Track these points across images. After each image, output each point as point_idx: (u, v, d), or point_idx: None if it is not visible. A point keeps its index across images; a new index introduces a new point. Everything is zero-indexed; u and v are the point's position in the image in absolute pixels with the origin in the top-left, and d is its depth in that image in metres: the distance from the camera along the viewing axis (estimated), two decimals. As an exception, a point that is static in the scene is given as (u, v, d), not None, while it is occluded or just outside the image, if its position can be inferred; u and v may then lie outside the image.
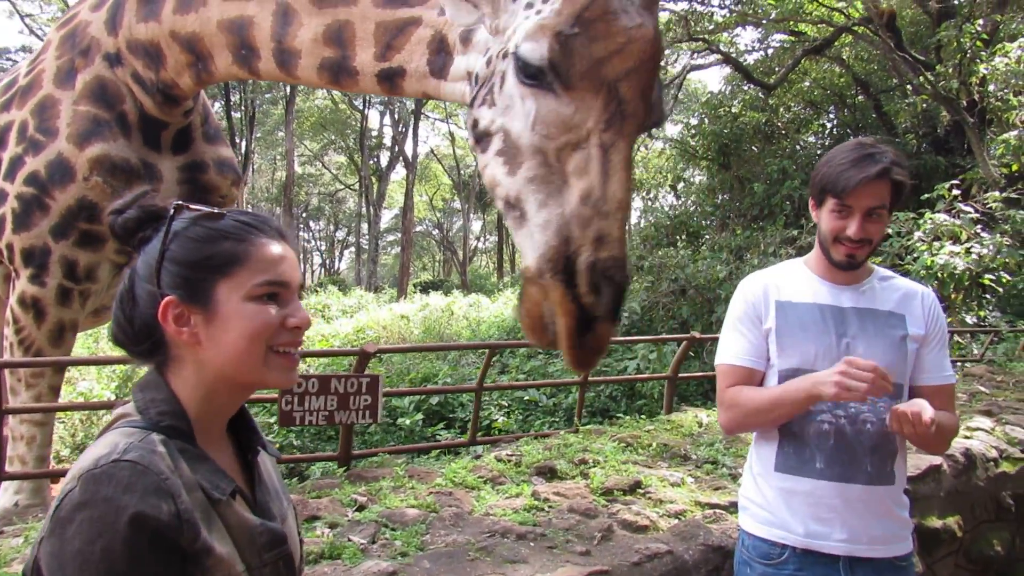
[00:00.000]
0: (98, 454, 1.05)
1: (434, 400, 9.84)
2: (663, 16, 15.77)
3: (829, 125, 18.14)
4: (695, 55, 17.86)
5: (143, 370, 1.22)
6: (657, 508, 3.42)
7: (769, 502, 2.19)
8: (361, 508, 3.33)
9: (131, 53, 3.58)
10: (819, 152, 17.90)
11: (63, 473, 7.38)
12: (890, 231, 10.70)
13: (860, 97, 17.84)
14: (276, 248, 1.20)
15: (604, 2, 1.84)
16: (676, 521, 3.28)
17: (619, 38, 1.83)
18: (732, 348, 2.27)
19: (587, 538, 3.06)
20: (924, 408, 1.89)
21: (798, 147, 17.05)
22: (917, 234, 10.46)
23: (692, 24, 15.12)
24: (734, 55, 18.86)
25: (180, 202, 1.19)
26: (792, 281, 2.25)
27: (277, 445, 9.38)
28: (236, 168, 4.21)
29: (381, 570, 2.64)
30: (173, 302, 1.14)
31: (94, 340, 14.06)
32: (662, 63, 1.98)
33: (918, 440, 2.08)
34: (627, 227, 1.80)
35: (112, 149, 3.65)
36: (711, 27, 15.87)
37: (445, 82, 2.55)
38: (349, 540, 2.94)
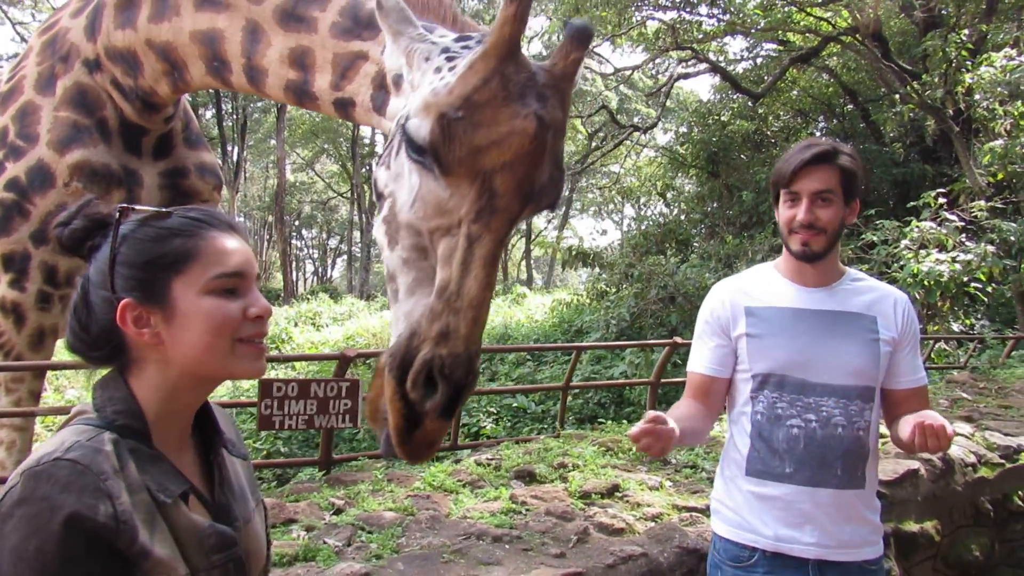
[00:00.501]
0: (43, 452, 1.05)
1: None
2: (651, 25, 15.86)
3: (818, 133, 18.23)
4: (683, 64, 17.94)
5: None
6: (634, 511, 3.43)
7: (739, 505, 2.20)
8: (338, 511, 3.34)
9: (109, 60, 3.59)
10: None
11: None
12: (875, 239, 10.77)
13: (848, 106, 17.97)
14: (227, 241, 1.19)
15: (496, 86, 1.74)
16: (652, 524, 3.30)
17: (501, 128, 1.75)
18: (694, 357, 2.31)
19: (563, 540, 3.07)
20: (945, 422, 1.86)
21: (835, 142, 17.17)
22: (904, 242, 10.53)
23: (680, 33, 15.20)
24: (723, 64, 18.98)
25: (124, 205, 1.19)
26: (762, 286, 2.25)
27: (264, 452, 9.39)
28: (218, 173, 4.21)
29: (354, 572, 2.64)
30: (130, 304, 1.13)
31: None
32: (558, 145, 1.84)
33: (923, 449, 2.01)
34: (480, 323, 1.69)
35: (92, 155, 3.66)
36: (699, 36, 15.96)
37: (384, 119, 2.53)
38: (324, 543, 2.94)
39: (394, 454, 1.75)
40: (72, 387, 13.41)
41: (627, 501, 3.56)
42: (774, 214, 2.23)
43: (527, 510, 3.39)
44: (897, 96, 14.65)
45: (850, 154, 2.11)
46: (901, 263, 10.25)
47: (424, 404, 1.62)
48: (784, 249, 2.23)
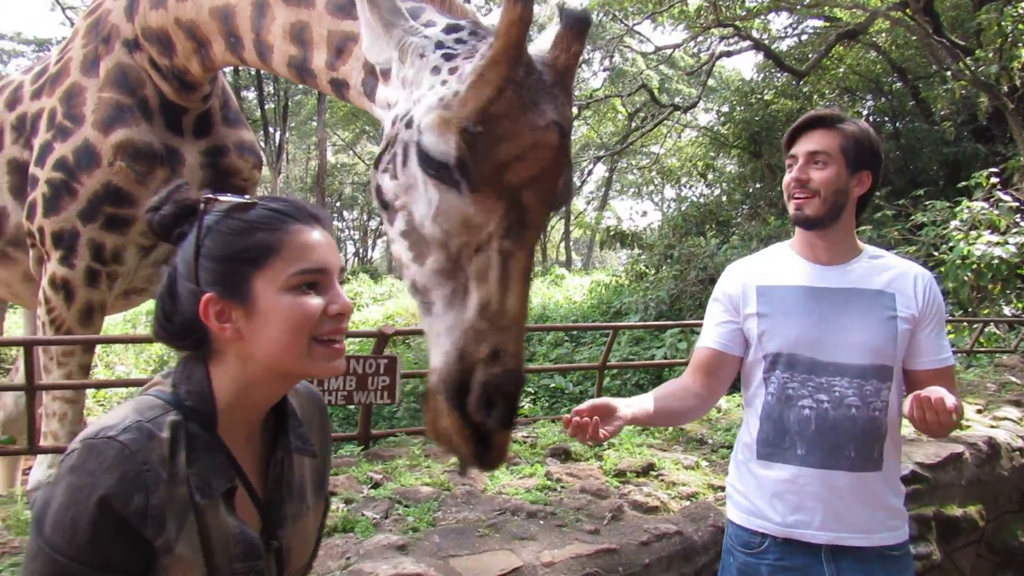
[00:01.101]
0: (104, 423, 1.07)
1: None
2: (692, 4, 15.60)
3: (864, 112, 17.79)
4: (725, 42, 17.62)
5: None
6: (669, 490, 3.43)
7: (750, 490, 2.17)
8: (376, 485, 3.39)
9: (146, 40, 3.66)
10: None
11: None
12: (924, 220, 10.52)
13: (897, 84, 17.49)
14: (311, 234, 1.18)
15: (512, 95, 1.70)
16: (687, 503, 3.30)
17: (524, 141, 1.71)
18: (704, 333, 2.29)
19: (597, 518, 3.08)
20: (945, 395, 1.79)
21: (841, 111, 16.83)
22: (953, 223, 10.26)
23: (722, 10, 14.92)
24: (766, 41, 18.60)
25: (210, 195, 1.18)
26: (776, 265, 2.22)
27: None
28: (257, 151, 4.27)
29: (391, 543, 2.68)
30: (212, 299, 1.13)
31: (132, 325, 14.37)
32: (567, 158, 1.80)
33: (927, 427, 1.94)
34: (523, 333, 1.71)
35: (135, 134, 3.74)
36: (743, 13, 15.65)
37: (375, 105, 2.48)
38: (363, 515, 3.00)
39: (476, 468, 1.80)
40: (121, 363, 13.79)
41: (662, 480, 3.56)
42: None
43: (562, 487, 3.42)
44: (949, 73, 14.22)
45: (858, 124, 2.09)
46: (950, 244, 10.00)
47: (490, 423, 1.62)
48: (798, 228, 2.20)
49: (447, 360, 1.69)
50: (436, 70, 1.89)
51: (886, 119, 17.45)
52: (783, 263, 2.21)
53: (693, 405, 2.22)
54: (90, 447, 1.04)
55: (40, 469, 4.24)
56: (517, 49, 1.67)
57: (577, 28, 1.77)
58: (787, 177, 2.13)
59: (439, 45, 1.96)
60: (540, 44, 2.12)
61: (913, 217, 10.74)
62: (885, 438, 2.06)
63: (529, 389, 10.85)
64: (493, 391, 1.61)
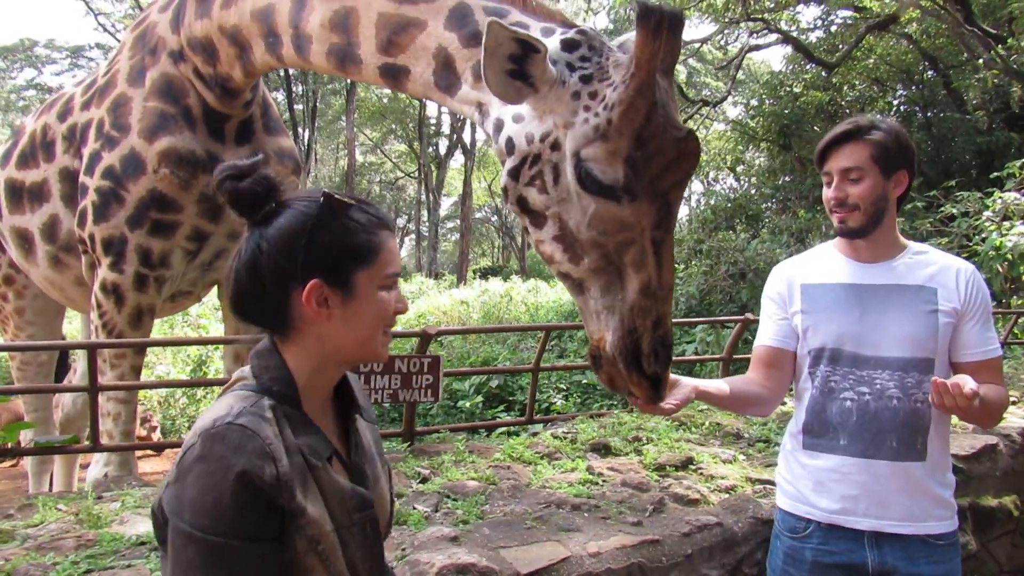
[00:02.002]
0: (216, 415, 1.20)
1: (494, 383, 10.05)
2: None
3: (895, 103, 17.61)
4: (753, 35, 17.53)
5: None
6: (708, 483, 3.52)
7: (797, 478, 2.27)
8: (424, 480, 3.52)
9: (191, 50, 3.82)
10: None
11: (149, 446, 7.78)
12: (955, 211, 10.44)
13: (929, 73, 17.29)
14: (394, 242, 1.36)
15: (657, 119, 1.97)
16: (726, 495, 3.38)
17: (670, 154, 2.00)
18: (759, 332, 2.40)
19: (639, 510, 3.19)
20: (966, 380, 1.87)
21: (871, 117, 16.65)
22: (986, 214, 10.17)
23: (750, 3, 14.86)
24: (796, 33, 18.48)
25: (328, 192, 1.29)
26: (819, 263, 2.31)
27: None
28: (296, 157, 4.43)
29: (444, 535, 2.81)
30: (318, 285, 1.25)
31: (169, 326, 14.68)
32: None
33: (963, 414, 2.06)
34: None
35: (179, 142, 3.90)
36: (771, 5, 15.58)
37: (451, 98, 2.67)
38: (414, 508, 3.13)
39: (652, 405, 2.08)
40: (161, 363, 14.10)
41: (701, 473, 3.65)
42: None
43: (604, 481, 3.52)
44: (981, 61, 14.05)
45: (886, 128, 2.14)
46: (983, 236, 9.92)
47: (660, 371, 2.01)
48: None
49: (619, 335, 2.06)
50: (576, 95, 2.13)
51: (917, 109, 17.27)
52: (827, 261, 2.30)
53: (763, 394, 2.34)
54: (212, 435, 1.16)
55: (97, 467, 4.43)
56: (654, 77, 1.93)
57: (675, 28, 1.94)
58: (826, 193, 2.21)
59: (570, 67, 2.19)
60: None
61: (943, 208, 10.65)
62: (928, 429, 2.12)
63: (561, 386, 10.95)
64: (659, 348, 2.00)
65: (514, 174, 2.30)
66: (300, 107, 37.12)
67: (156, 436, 9.39)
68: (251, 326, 1.33)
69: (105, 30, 33.75)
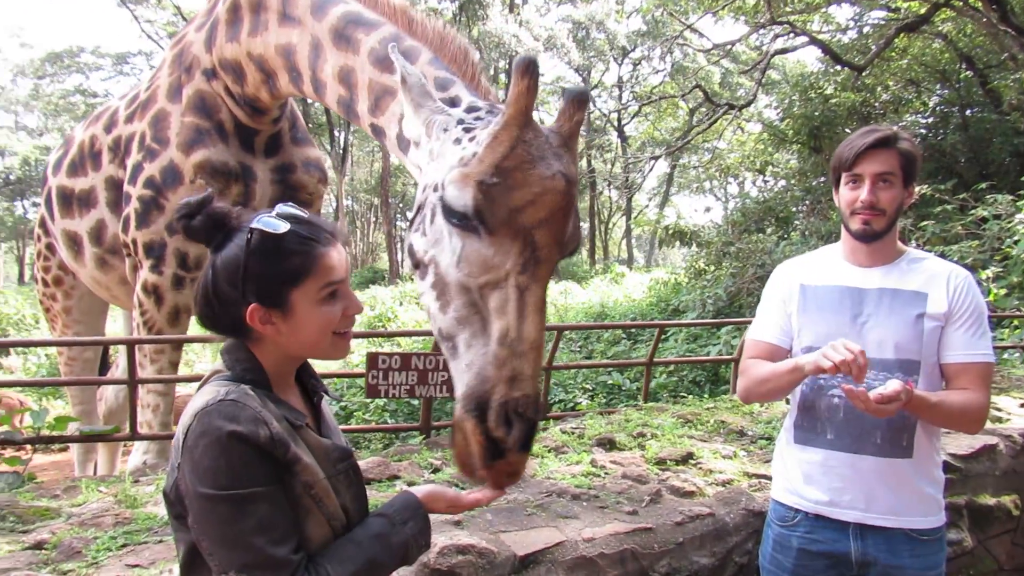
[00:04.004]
0: (206, 398, 1.39)
1: (520, 383, 10.25)
2: (749, 2, 15.55)
3: (930, 104, 17.41)
4: (779, 38, 17.47)
5: None
6: (706, 477, 3.68)
7: (788, 470, 2.41)
8: (436, 470, 3.74)
9: (222, 69, 4.09)
10: (921, 131, 17.23)
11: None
12: (986, 214, 10.37)
13: (966, 73, 17.06)
14: (332, 253, 1.48)
15: (522, 151, 1.93)
16: (721, 488, 3.54)
17: (534, 188, 1.93)
18: (758, 325, 2.51)
19: (636, 500, 3.36)
20: (887, 385, 1.97)
21: (895, 128, 16.46)
22: (1018, 216, 10.09)
23: (775, 7, 14.85)
24: (827, 34, 18.38)
25: (253, 226, 1.43)
26: (820, 265, 2.42)
27: (372, 423, 10.07)
28: (322, 167, 4.69)
29: (448, 519, 3.01)
30: (257, 308, 1.43)
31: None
32: (574, 205, 2.03)
33: (929, 418, 2.18)
34: (541, 362, 1.90)
35: (212, 154, 4.19)
36: (801, 7, 15.54)
37: (407, 158, 2.74)
38: (423, 495, 3.34)
39: (487, 485, 1.86)
40: (200, 361, 14.59)
41: (700, 468, 3.81)
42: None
43: (605, 473, 3.70)
44: (1019, 60, 13.88)
45: (909, 140, 2.24)
46: (1015, 239, 9.84)
47: (507, 441, 1.78)
48: (843, 230, 2.39)
49: (470, 383, 1.87)
50: (457, 141, 2.15)
51: (955, 109, 17.06)
52: (827, 264, 2.41)
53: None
54: (208, 412, 1.35)
55: (137, 454, 4.75)
56: (526, 114, 1.94)
57: (577, 101, 2.05)
58: (851, 195, 2.25)
59: (460, 121, 2.23)
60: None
61: (974, 211, 10.57)
62: (915, 427, 2.22)
63: (587, 386, 11.11)
64: (511, 412, 1.79)
65: (410, 223, 2.29)
66: (337, 110, 37.64)
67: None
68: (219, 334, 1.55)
69: (149, 37, 34.68)
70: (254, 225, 1.43)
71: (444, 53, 2.82)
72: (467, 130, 2.18)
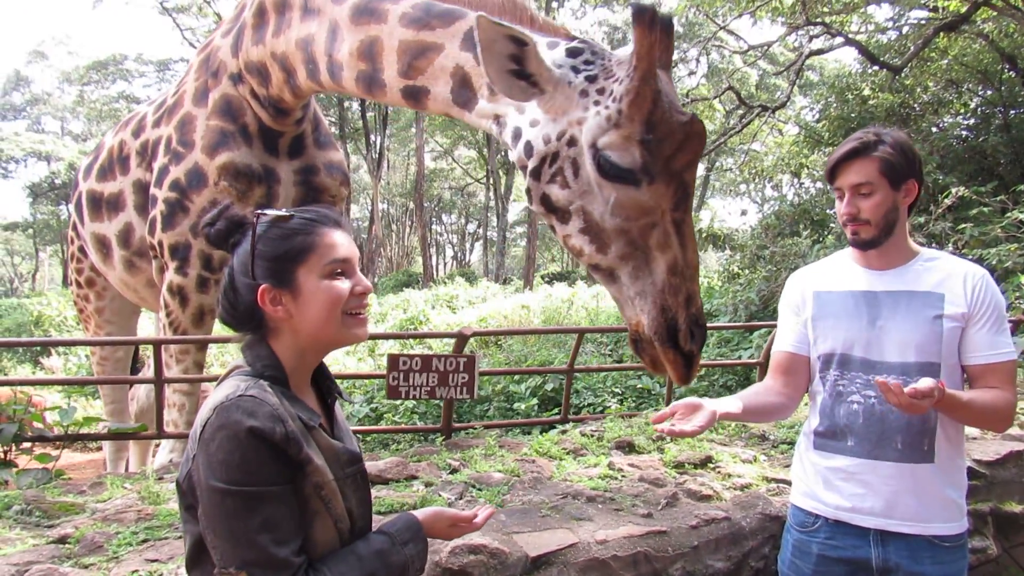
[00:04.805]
0: (226, 392, 1.43)
1: (549, 387, 10.25)
2: (785, 2, 15.38)
3: (972, 104, 17.01)
4: (814, 39, 17.24)
5: None
6: (724, 481, 3.65)
7: (808, 476, 2.38)
8: (454, 471, 3.76)
9: (248, 73, 4.17)
10: (962, 132, 16.86)
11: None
12: (1022, 215, 10.12)
13: (1009, 73, 16.66)
14: (336, 235, 1.53)
15: (663, 104, 2.17)
16: (739, 492, 3.51)
17: (678, 135, 2.19)
18: (778, 336, 2.50)
19: (652, 503, 3.35)
20: (923, 381, 1.93)
21: (934, 129, 16.13)
22: (1056, 218, 9.84)
23: (811, 7, 14.66)
24: (866, 34, 18.08)
25: (258, 211, 1.55)
26: (832, 271, 2.40)
27: (402, 424, 10.14)
28: (344, 170, 4.75)
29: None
30: (267, 288, 1.48)
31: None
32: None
33: (959, 417, 2.15)
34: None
35: (236, 157, 4.26)
36: (839, 7, 15.31)
37: (469, 113, 2.90)
38: (439, 495, 3.37)
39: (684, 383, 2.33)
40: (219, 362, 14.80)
41: (718, 472, 3.78)
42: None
43: (623, 476, 3.69)
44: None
45: (891, 142, 2.21)
46: (1054, 242, 9.59)
47: (695, 349, 2.19)
48: None
49: (653, 315, 2.24)
50: (584, 93, 2.36)
51: (999, 110, 16.66)
52: (840, 269, 2.38)
53: (779, 402, 2.42)
54: (227, 407, 1.38)
55: (163, 453, 4.85)
56: (655, 67, 2.15)
57: (668, 27, 2.22)
58: (838, 207, 2.29)
59: (575, 70, 2.42)
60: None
61: (1010, 213, 10.31)
62: (935, 432, 2.19)
63: (616, 390, 11.06)
64: (694, 325, 2.18)
65: (535, 174, 2.51)
66: (372, 115, 38.06)
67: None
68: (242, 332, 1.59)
69: (191, 44, 35.37)
70: (258, 211, 1.54)
71: (488, 8, 2.89)
72: (589, 79, 2.37)
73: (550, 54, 2.49)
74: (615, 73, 2.32)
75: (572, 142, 2.36)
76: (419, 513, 1.67)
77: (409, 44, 3.08)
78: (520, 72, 2.41)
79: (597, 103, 2.28)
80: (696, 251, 2.22)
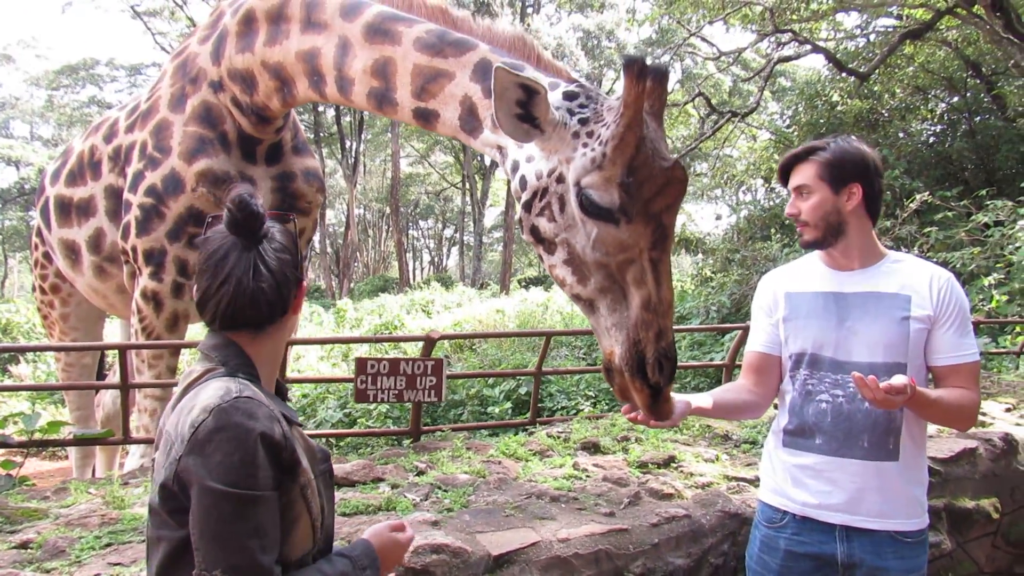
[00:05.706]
0: (219, 394, 1.39)
1: (523, 390, 10.29)
2: (755, 10, 15.59)
3: (937, 111, 17.34)
4: (782, 46, 17.48)
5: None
6: (686, 480, 3.72)
7: (776, 473, 2.45)
8: (420, 473, 3.80)
9: (231, 80, 4.18)
10: (928, 138, 17.17)
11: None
12: (987, 220, 10.34)
13: (973, 79, 17.00)
14: None
15: (646, 150, 2.30)
16: (700, 491, 3.57)
17: (659, 180, 2.32)
18: (751, 337, 2.57)
19: (615, 502, 3.40)
20: (894, 378, 1.99)
21: (901, 135, 16.42)
22: (1020, 223, 10.05)
23: (778, 16, 14.87)
24: (834, 42, 18.37)
25: (286, 213, 1.64)
26: (802, 273, 2.46)
27: (379, 425, 10.14)
28: (320, 177, 4.78)
29: (426, 519, 3.08)
30: (302, 285, 1.60)
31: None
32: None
33: (927, 415, 2.23)
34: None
35: (214, 164, 4.28)
36: (807, 15, 15.55)
37: (474, 140, 3.07)
38: (405, 497, 3.41)
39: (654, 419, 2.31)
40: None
41: (681, 471, 3.85)
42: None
43: (587, 476, 3.75)
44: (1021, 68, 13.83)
45: (833, 148, 2.32)
46: (1017, 245, 9.80)
47: (662, 382, 2.25)
48: None
49: (625, 347, 2.33)
50: (576, 135, 2.50)
51: (964, 116, 16.98)
52: (809, 271, 2.45)
53: (750, 400, 2.49)
54: (225, 410, 1.37)
55: (133, 459, 4.83)
56: (641, 116, 2.27)
57: (661, 78, 2.36)
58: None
59: (570, 112, 2.57)
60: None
61: (974, 217, 10.53)
62: (900, 431, 2.25)
63: (589, 392, 11.13)
64: (663, 358, 2.25)
65: (527, 207, 2.68)
66: (348, 120, 37.96)
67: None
68: (239, 331, 1.53)
69: (163, 49, 35.10)
70: (291, 215, 1.66)
71: (498, 42, 3.08)
72: (582, 122, 2.51)
73: (551, 96, 2.63)
74: (604, 118, 2.46)
75: (560, 179, 2.52)
76: (375, 540, 1.67)
77: (422, 68, 3.22)
78: (525, 116, 2.55)
79: (585, 144, 2.43)
80: (671, 289, 2.33)
